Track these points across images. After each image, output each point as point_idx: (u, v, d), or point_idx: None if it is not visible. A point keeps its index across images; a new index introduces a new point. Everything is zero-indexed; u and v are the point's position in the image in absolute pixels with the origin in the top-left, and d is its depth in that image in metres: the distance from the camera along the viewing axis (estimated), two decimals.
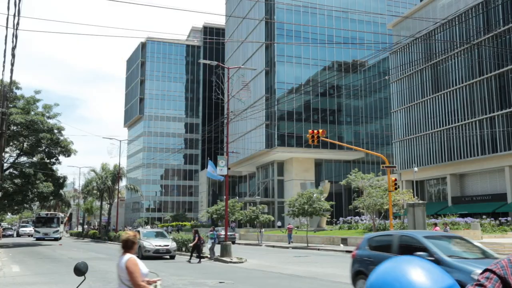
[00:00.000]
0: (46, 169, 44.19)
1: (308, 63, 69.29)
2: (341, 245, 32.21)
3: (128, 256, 4.75)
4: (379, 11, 71.95)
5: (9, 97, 35.90)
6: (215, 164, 25.24)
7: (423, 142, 54.18)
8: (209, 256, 23.76)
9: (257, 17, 72.30)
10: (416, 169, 48.38)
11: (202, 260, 22.25)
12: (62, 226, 53.82)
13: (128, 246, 4.83)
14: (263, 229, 45.08)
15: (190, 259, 22.16)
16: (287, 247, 34.13)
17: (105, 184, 53.30)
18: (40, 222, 49.85)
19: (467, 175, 50.49)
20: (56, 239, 47.99)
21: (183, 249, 26.95)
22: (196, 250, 22.00)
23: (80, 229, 69.62)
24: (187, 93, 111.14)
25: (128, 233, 4.97)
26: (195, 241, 22.16)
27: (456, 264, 8.60)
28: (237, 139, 75.82)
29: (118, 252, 4.88)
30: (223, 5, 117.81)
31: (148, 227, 65.13)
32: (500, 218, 35.61)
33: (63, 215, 59.09)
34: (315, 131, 26.67)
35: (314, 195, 36.01)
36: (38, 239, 48.31)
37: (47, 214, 51.23)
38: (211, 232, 24.41)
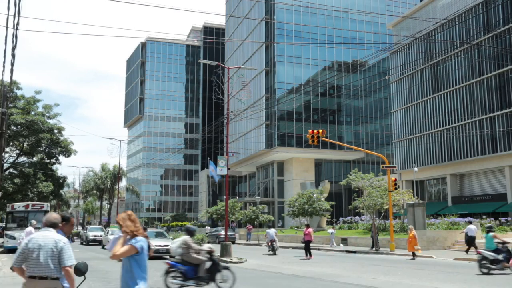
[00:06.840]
0: (46, 169, 44.23)
1: (308, 63, 69.29)
2: (341, 245, 32.22)
3: None
4: (379, 11, 71.97)
5: (10, 97, 35.91)
6: (215, 164, 25.22)
7: (423, 142, 54.18)
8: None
9: (257, 17, 72.30)
10: (416, 169, 48.42)
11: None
12: None
13: None
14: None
15: None
16: (288, 247, 34.15)
17: (105, 184, 53.31)
18: (16, 220, 29.16)
19: (467, 175, 50.50)
20: None
21: None
22: None
23: (80, 229, 69.52)
24: (187, 93, 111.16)
25: None
26: None
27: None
28: (237, 139, 75.83)
29: None
30: (223, 5, 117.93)
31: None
32: (500, 218, 35.64)
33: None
34: (315, 131, 26.66)
35: (314, 195, 36.02)
36: (10, 250, 26.13)
37: (26, 207, 29.71)
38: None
